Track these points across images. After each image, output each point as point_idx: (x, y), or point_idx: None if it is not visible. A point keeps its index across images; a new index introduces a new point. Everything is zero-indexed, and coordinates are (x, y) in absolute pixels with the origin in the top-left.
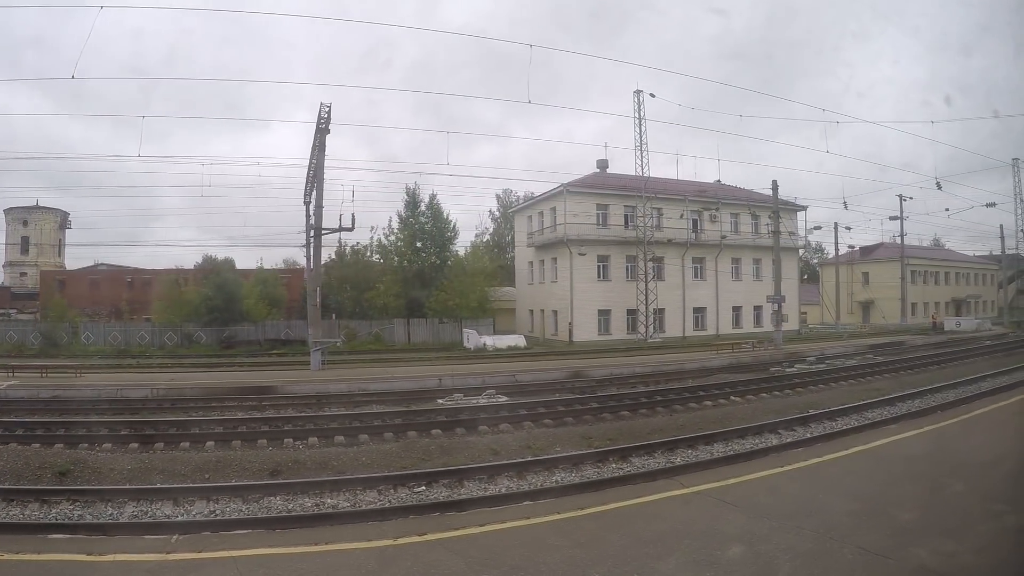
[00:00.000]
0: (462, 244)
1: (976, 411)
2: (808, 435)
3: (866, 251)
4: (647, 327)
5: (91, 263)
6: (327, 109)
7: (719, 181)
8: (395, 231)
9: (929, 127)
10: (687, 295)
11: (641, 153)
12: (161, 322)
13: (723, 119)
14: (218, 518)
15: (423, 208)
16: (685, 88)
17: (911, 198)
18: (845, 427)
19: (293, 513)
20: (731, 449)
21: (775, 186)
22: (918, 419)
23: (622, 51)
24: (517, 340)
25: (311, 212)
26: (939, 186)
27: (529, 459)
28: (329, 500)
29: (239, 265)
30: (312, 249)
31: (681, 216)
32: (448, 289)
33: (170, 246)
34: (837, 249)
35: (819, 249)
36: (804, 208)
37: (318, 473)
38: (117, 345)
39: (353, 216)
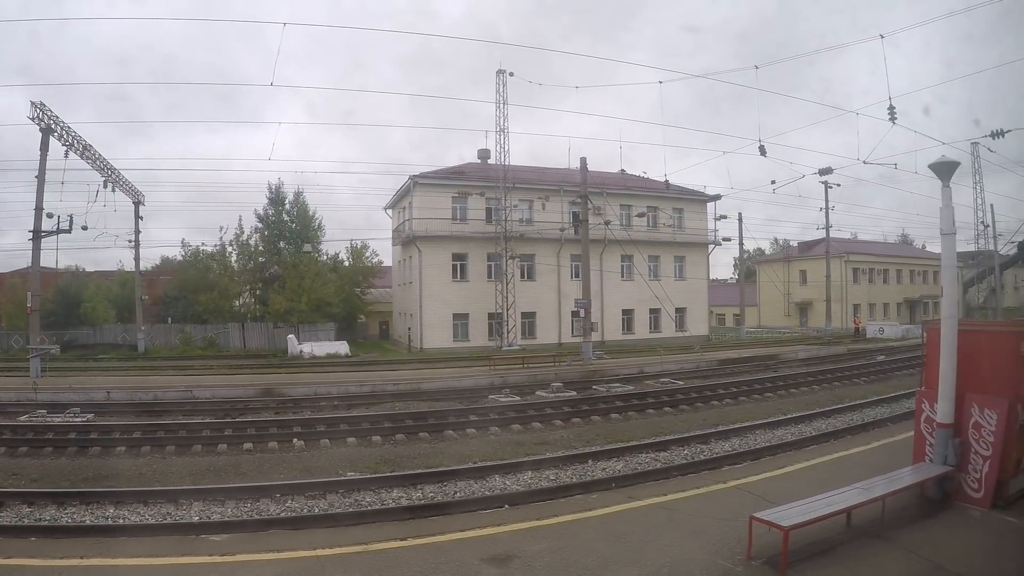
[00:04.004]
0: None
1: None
2: None
3: (805, 247)
4: (504, 333)
5: None
6: (46, 108)
7: (623, 171)
8: (256, 230)
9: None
10: (563, 297)
11: (499, 139)
12: (9, 326)
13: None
14: None
15: (288, 206)
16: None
17: (838, 185)
18: None
19: None
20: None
21: (583, 164)
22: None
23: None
24: (338, 347)
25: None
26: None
27: None
28: None
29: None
30: (32, 252)
31: (542, 208)
32: (285, 291)
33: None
34: (741, 244)
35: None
36: (716, 198)
37: None
38: None
39: (71, 217)
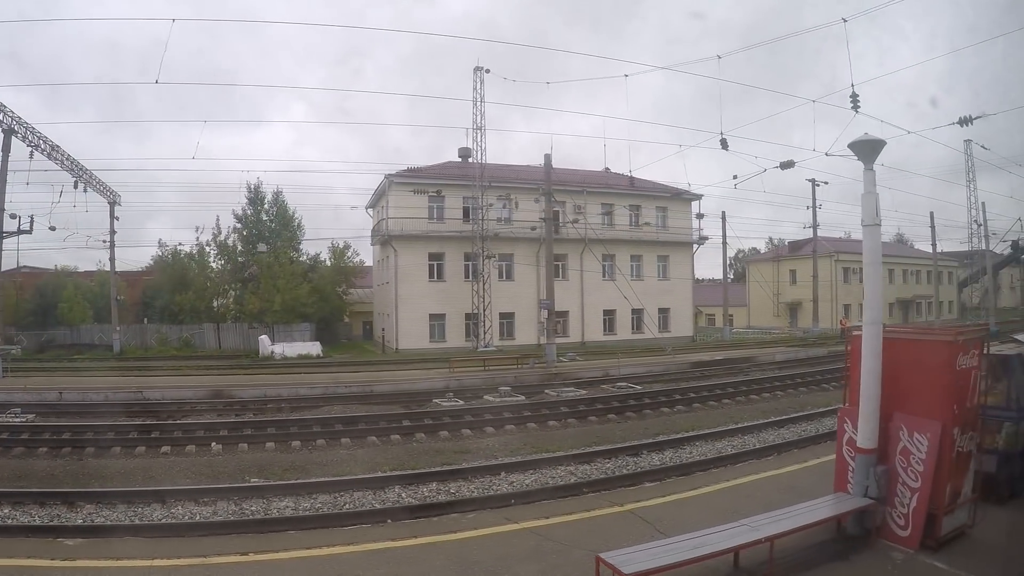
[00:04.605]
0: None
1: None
2: None
3: (795, 246)
4: (480, 334)
5: None
6: (6, 108)
7: (607, 169)
8: (234, 230)
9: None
10: (542, 297)
11: (476, 137)
12: None
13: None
14: None
15: (267, 206)
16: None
17: (825, 183)
18: None
19: None
20: None
21: (547, 161)
22: None
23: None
24: (310, 348)
25: None
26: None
27: None
28: None
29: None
30: None
31: (515, 207)
32: (260, 292)
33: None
34: (725, 243)
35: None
36: (699, 197)
37: None
38: None
39: (32, 218)
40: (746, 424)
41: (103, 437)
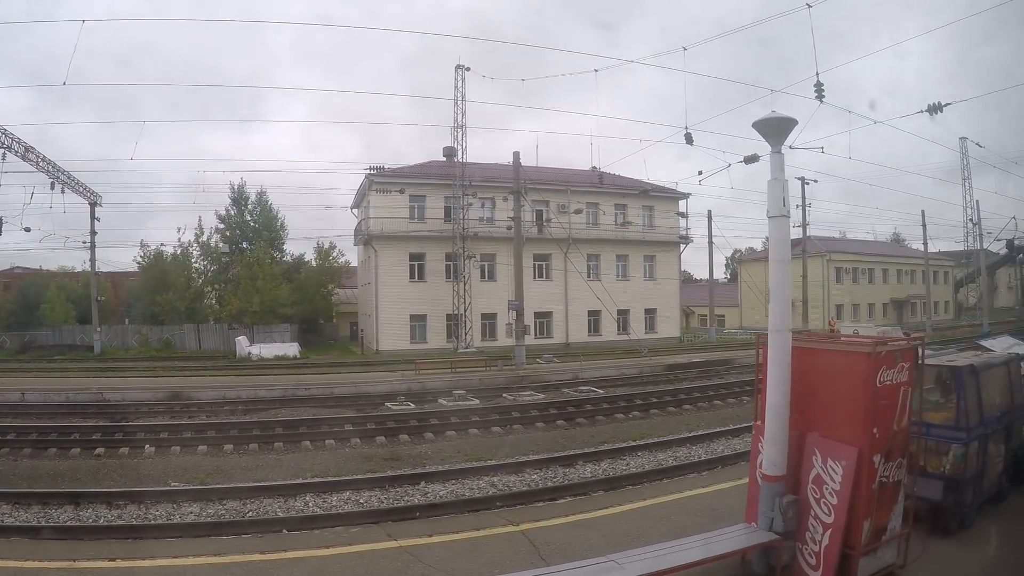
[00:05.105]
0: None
1: None
2: None
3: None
4: (461, 335)
5: None
6: None
7: (595, 168)
8: (216, 230)
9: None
10: (526, 297)
11: (457, 136)
12: None
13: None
14: None
15: (250, 206)
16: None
17: (815, 181)
18: None
19: None
20: None
21: (515, 158)
22: None
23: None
24: (288, 349)
25: None
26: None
27: None
28: None
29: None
30: None
31: (493, 206)
32: (239, 292)
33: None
34: (711, 242)
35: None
36: (686, 196)
37: None
38: None
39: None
40: (699, 433)
41: (45, 439)
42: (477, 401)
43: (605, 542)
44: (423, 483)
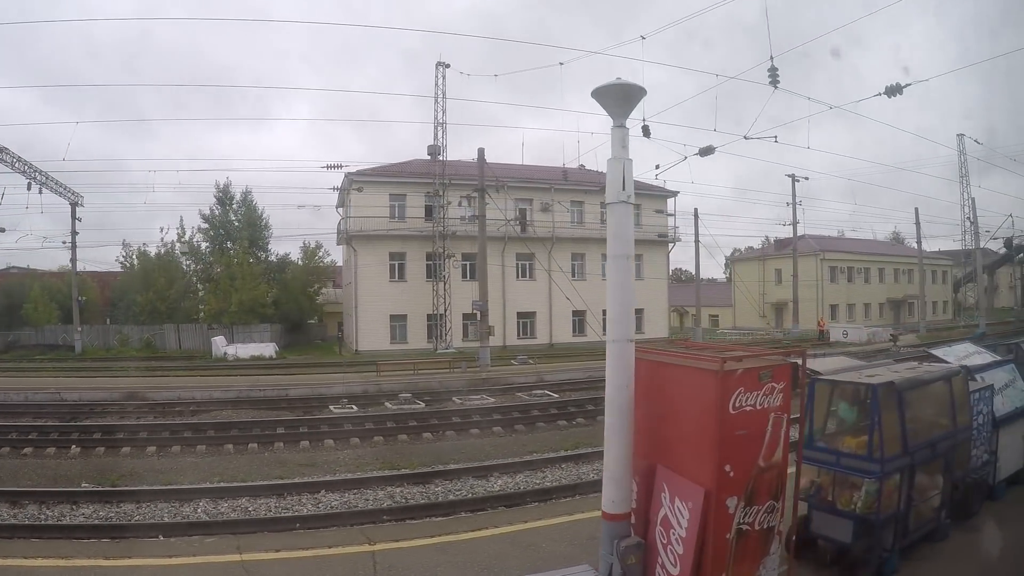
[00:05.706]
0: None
1: None
2: None
3: (781, 244)
4: (440, 335)
5: None
6: None
7: (582, 166)
8: (199, 230)
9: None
10: (508, 298)
11: (437, 133)
12: None
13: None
14: None
15: (235, 206)
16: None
17: (806, 178)
18: None
19: None
20: None
21: (480, 155)
22: None
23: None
24: (264, 349)
25: None
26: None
27: None
28: None
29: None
30: None
31: (468, 204)
32: (218, 292)
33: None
34: (697, 240)
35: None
36: (674, 194)
37: None
38: None
39: None
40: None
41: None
42: (422, 405)
43: (456, 571)
44: (323, 491)
